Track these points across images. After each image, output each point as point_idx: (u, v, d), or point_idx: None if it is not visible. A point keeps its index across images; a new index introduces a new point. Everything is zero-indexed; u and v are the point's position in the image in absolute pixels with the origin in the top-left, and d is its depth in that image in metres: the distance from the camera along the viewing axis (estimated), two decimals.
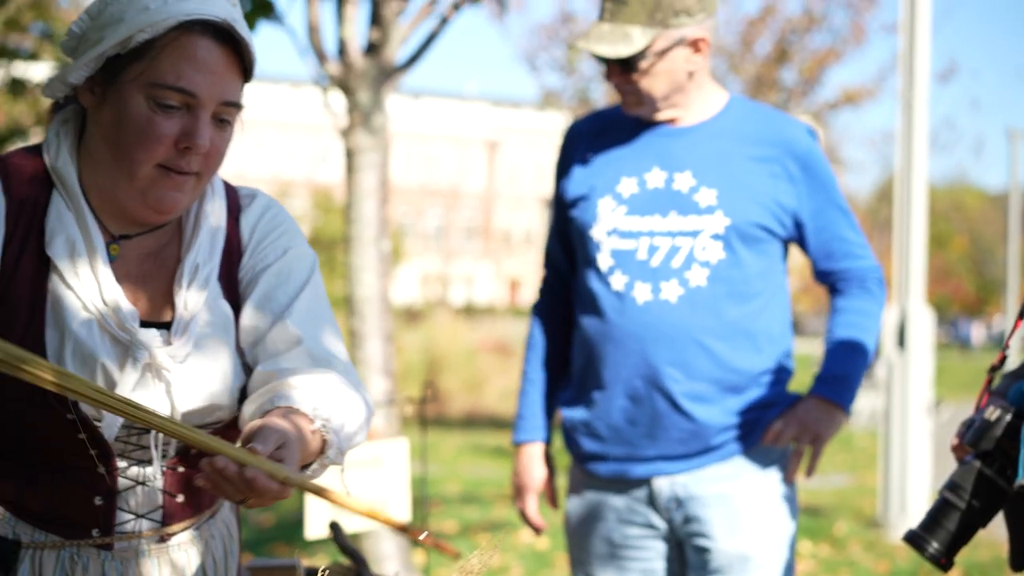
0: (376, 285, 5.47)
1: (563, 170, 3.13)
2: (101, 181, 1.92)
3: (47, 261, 1.89)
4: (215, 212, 2.02)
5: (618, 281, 2.95)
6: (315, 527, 3.59)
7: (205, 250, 1.99)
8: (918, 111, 8.75)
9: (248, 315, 2.01)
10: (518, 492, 3.20)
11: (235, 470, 1.64)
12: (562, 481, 3.22)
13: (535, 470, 3.17)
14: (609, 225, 2.98)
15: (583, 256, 3.03)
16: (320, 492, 1.66)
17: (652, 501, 2.99)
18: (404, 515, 3.87)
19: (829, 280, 3.12)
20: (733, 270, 2.94)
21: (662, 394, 2.93)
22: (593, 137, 3.09)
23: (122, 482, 1.92)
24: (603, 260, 2.97)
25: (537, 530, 3.22)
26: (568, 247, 3.13)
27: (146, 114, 1.85)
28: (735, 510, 2.96)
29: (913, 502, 8.62)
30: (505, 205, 65.28)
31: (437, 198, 61.22)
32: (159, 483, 1.95)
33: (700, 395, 2.93)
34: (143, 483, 1.94)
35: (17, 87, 16.40)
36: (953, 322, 55.10)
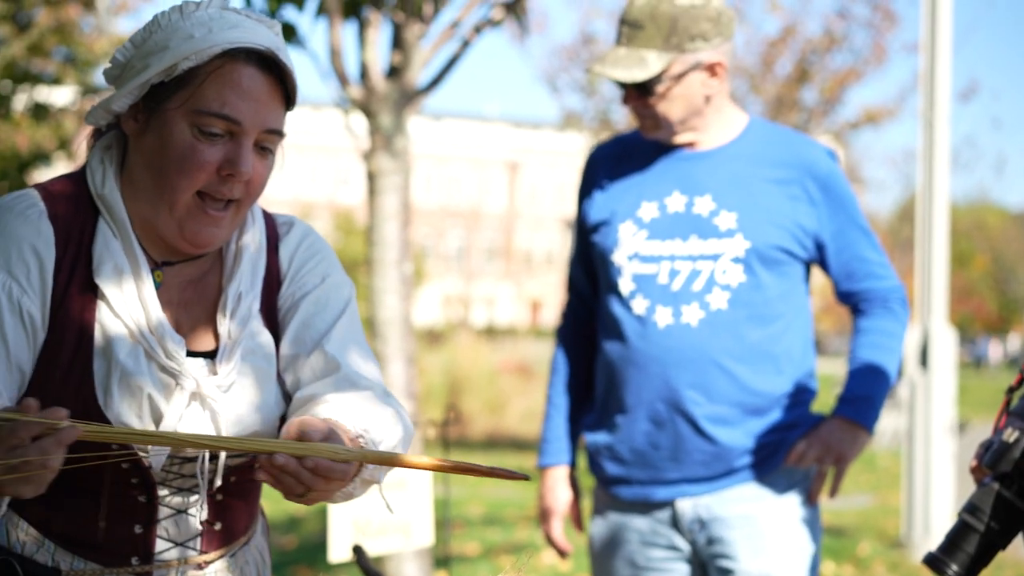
0: (399, 307, 5.48)
1: (585, 195, 3.15)
2: (143, 208, 1.92)
3: (94, 288, 1.90)
4: (255, 241, 2.04)
5: (639, 305, 2.96)
6: (338, 550, 3.60)
7: (247, 279, 2.01)
8: (939, 130, 8.73)
9: (287, 343, 2.03)
10: (544, 515, 3.20)
11: (295, 464, 1.68)
12: (587, 503, 3.22)
13: (560, 493, 3.18)
14: (630, 250, 2.99)
15: (605, 280, 3.05)
16: (390, 460, 1.73)
17: (675, 523, 3.00)
18: (427, 537, 3.87)
19: (851, 301, 3.12)
20: (754, 293, 2.94)
21: (684, 418, 2.93)
22: (614, 162, 3.11)
23: (162, 511, 1.93)
24: (624, 284, 2.99)
25: (563, 553, 3.23)
26: (591, 271, 3.15)
27: (189, 141, 1.86)
28: (758, 531, 2.96)
29: (937, 522, 8.57)
30: (526, 226, 65.33)
31: (458, 219, 61.32)
32: (204, 514, 1.96)
33: (722, 418, 2.93)
34: (184, 511, 1.94)
35: (40, 112, 16.54)
36: (973, 341, 54.85)
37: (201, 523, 1.96)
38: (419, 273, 33.65)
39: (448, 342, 23.63)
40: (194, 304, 1.99)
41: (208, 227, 1.91)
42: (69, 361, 1.87)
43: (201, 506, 1.94)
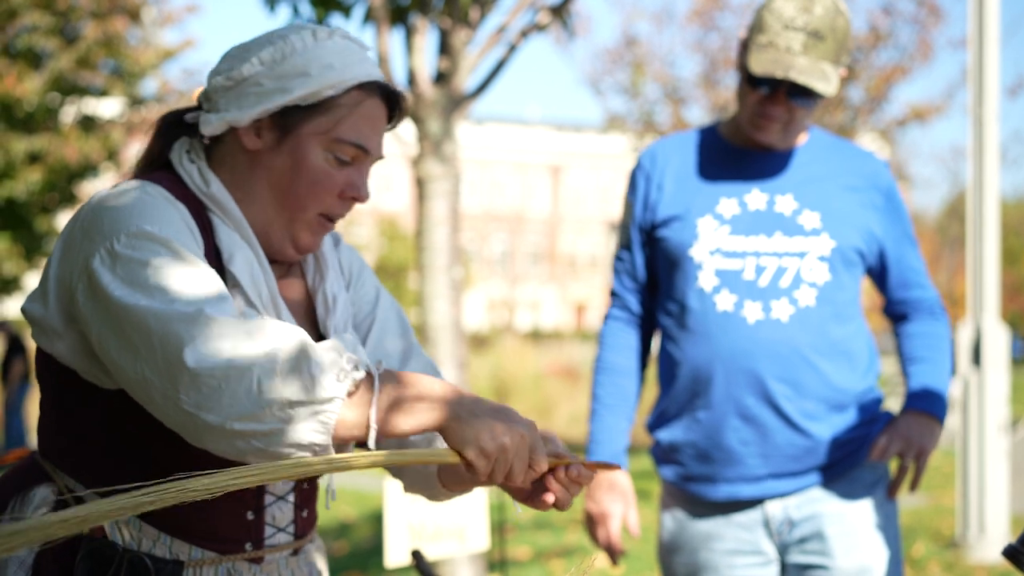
0: (449, 312, 5.50)
1: (646, 190, 3.12)
2: (253, 214, 1.98)
3: (225, 280, 1.92)
4: (327, 244, 2.15)
5: (725, 300, 2.96)
6: (395, 555, 3.61)
7: (335, 280, 2.10)
8: (988, 126, 8.66)
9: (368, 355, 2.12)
10: (597, 519, 3.14)
11: (589, 474, 1.83)
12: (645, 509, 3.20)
13: (616, 496, 3.13)
14: (712, 245, 2.99)
15: (679, 276, 3.03)
16: (606, 466, 1.86)
17: (765, 525, 3.00)
18: (483, 542, 3.88)
19: (901, 309, 3.20)
20: (837, 292, 2.98)
21: (776, 412, 2.94)
22: (679, 158, 3.11)
23: (267, 497, 1.99)
24: (706, 280, 2.98)
25: (616, 557, 3.18)
26: (651, 266, 3.14)
27: (323, 166, 1.95)
28: (851, 527, 2.97)
29: (992, 521, 8.49)
30: (570, 229, 65.30)
31: (502, 223, 61.38)
32: (292, 497, 2.03)
33: (811, 413, 2.95)
34: (283, 497, 2.01)
35: (88, 124, 16.71)
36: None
37: (295, 508, 2.03)
38: (464, 278, 33.75)
39: (494, 346, 23.67)
40: (287, 302, 2.05)
41: (317, 237, 2.01)
42: None
43: (330, 491, 1.97)
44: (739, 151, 3.07)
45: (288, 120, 1.94)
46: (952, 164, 28.26)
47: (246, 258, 1.94)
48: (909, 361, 3.15)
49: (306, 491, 2.05)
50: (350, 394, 1.65)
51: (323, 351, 1.64)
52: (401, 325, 2.19)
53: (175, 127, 2.03)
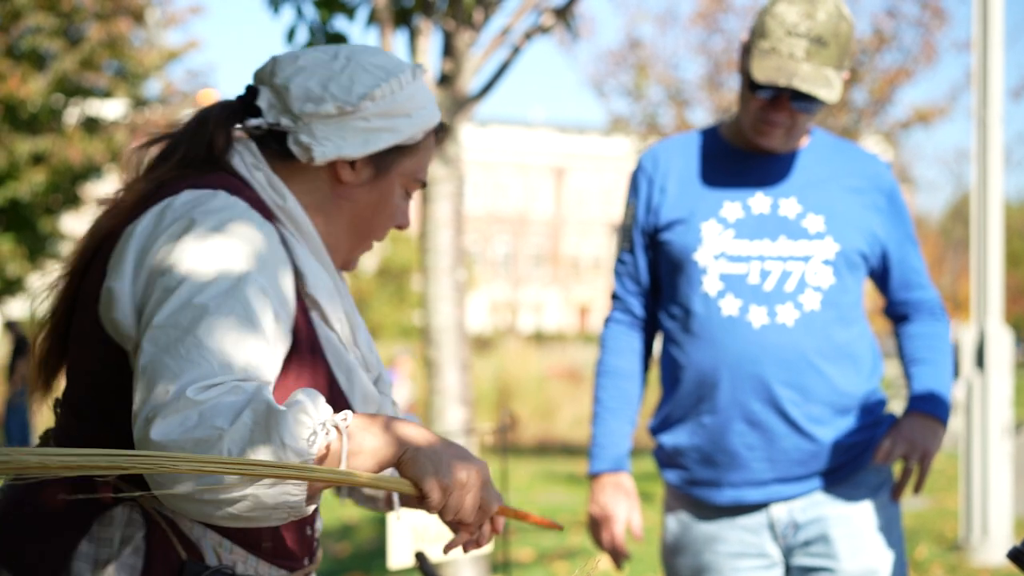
0: (452, 314, 5.50)
1: (648, 193, 3.11)
2: (324, 237, 2.02)
3: (304, 299, 1.93)
4: None
5: (730, 305, 2.95)
6: (398, 557, 3.61)
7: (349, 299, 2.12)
8: (992, 128, 8.65)
9: None
10: (602, 522, 3.12)
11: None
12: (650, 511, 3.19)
13: (620, 500, 3.12)
14: (716, 249, 2.98)
15: (683, 280, 3.02)
16: (551, 524, 1.92)
17: (771, 528, 2.99)
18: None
19: (902, 310, 3.19)
20: (842, 295, 2.98)
21: (782, 416, 2.93)
22: (681, 161, 3.10)
23: (316, 513, 2.05)
24: (711, 284, 2.97)
25: (621, 560, 3.17)
26: (653, 269, 3.13)
27: (397, 202, 2.07)
28: (856, 530, 2.97)
29: (995, 524, 8.49)
30: (573, 231, 65.32)
31: (505, 225, 61.38)
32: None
33: (817, 417, 2.95)
34: (318, 511, 2.06)
35: (92, 125, 16.71)
36: None
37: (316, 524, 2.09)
38: (468, 280, 33.77)
39: (497, 348, 23.68)
40: None
41: (361, 258, 2.14)
42: (311, 371, 1.90)
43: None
44: (741, 153, 3.06)
45: (385, 160, 2.00)
46: (956, 167, 28.30)
47: (323, 278, 1.96)
48: (911, 363, 3.14)
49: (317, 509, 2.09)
50: (324, 454, 1.63)
51: (293, 417, 1.59)
52: None
53: (230, 122, 2.00)
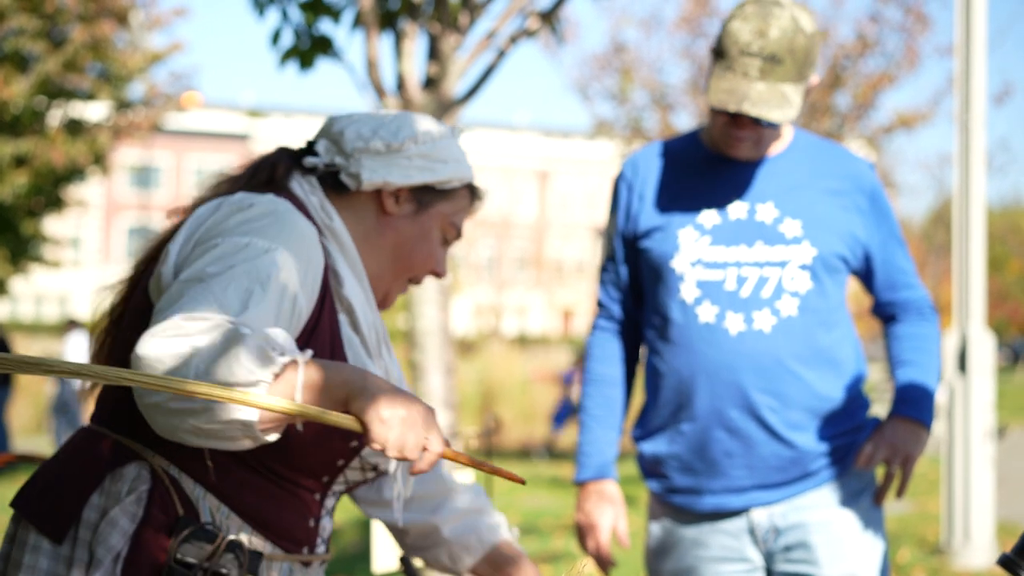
0: (437, 318, 5.49)
1: (628, 200, 3.11)
2: (367, 264, 2.28)
3: (334, 301, 2.17)
4: None
5: (707, 312, 2.94)
6: (383, 561, 3.61)
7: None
8: (975, 133, 8.68)
9: None
10: (587, 530, 3.12)
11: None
12: (633, 518, 3.17)
13: (607, 508, 3.11)
14: (693, 256, 2.97)
15: (661, 287, 3.01)
16: (510, 476, 1.93)
17: (751, 532, 2.98)
18: None
19: (889, 310, 3.16)
20: (819, 300, 2.95)
21: (760, 423, 2.92)
22: (660, 168, 3.09)
23: (323, 511, 2.24)
24: (688, 291, 2.96)
25: (607, 568, 3.17)
26: (634, 277, 3.12)
27: (436, 244, 2.35)
28: (837, 536, 2.95)
29: (977, 528, 8.52)
30: (557, 235, 65.31)
31: (489, 229, 61.30)
32: (331, 515, 2.28)
33: (796, 423, 2.93)
34: (329, 513, 2.26)
35: (75, 127, 16.66)
36: (1011, 345, 54.59)
37: (331, 525, 2.28)
38: (452, 283, 33.74)
39: (481, 352, 23.67)
40: None
41: (398, 296, 2.36)
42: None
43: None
44: (719, 159, 3.03)
45: (425, 197, 2.29)
46: (938, 171, 28.32)
47: (359, 294, 2.21)
48: (896, 364, 3.12)
49: (333, 510, 2.28)
50: (277, 378, 1.76)
51: (252, 340, 1.76)
52: None
53: (292, 161, 2.29)
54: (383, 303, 2.33)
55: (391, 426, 1.78)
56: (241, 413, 1.75)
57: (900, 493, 3.06)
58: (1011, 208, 51.84)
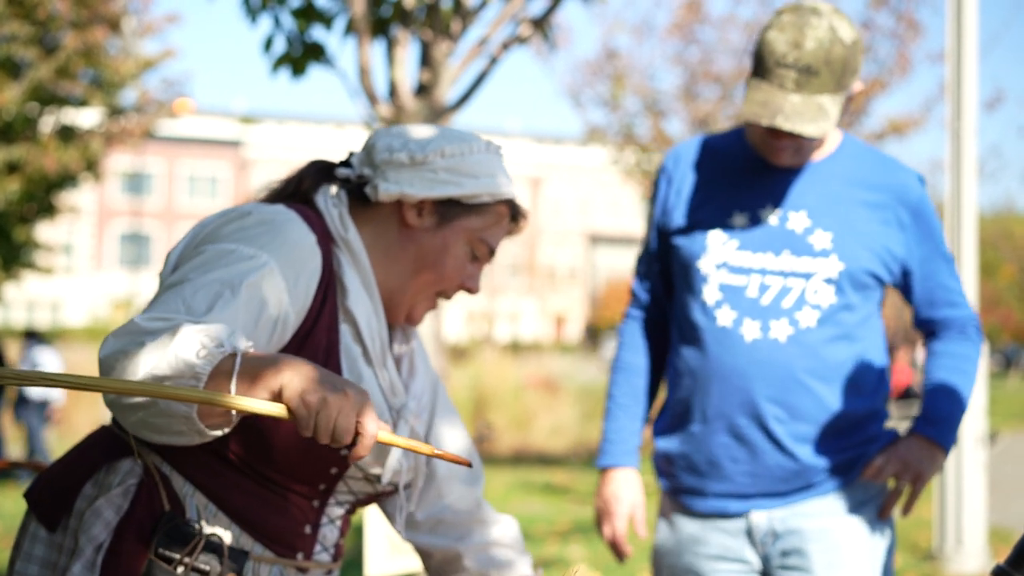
0: (430, 324, 5.49)
1: (666, 194, 3.08)
2: (387, 276, 2.27)
3: (338, 313, 2.18)
4: None
5: (725, 316, 2.91)
6: (374, 566, 3.61)
7: (420, 349, 2.39)
8: (966, 140, 8.69)
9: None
10: (604, 516, 3.12)
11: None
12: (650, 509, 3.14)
13: (625, 496, 3.10)
14: (719, 258, 2.93)
15: (687, 286, 2.99)
16: (456, 459, 1.88)
17: (749, 534, 2.96)
18: None
19: (930, 327, 3.08)
20: (842, 314, 2.89)
21: (766, 434, 2.89)
22: (700, 164, 3.05)
23: (323, 519, 2.23)
24: (710, 293, 2.93)
25: (622, 556, 3.15)
26: (665, 271, 3.10)
27: (463, 259, 2.29)
28: (835, 544, 2.92)
29: (969, 534, 8.52)
30: (549, 241, 65.32)
31: None
32: (339, 523, 2.28)
33: (803, 436, 2.89)
34: (334, 521, 2.26)
35: (67, 134, 16.64)
36: (1003, 351, 54.71)
37: (340, 535, 2.28)
38: None
39: (473, 358, 23.65)
40: None
41: (427, 311, 2.34)
42: None
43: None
44: (760, 162, 2.97)
45: (449, 211, 2.25)
46: (930, 178, 28.36)
47: (366, 305, 2.20)
48: (928, 382, 3.05)
49: (346, 521, 2.29)
50: (216, 371, 1.77)
51: (193, 336, 1.79)
52: (444, 400, 2.48)
53: (322, 174, 2.30)
54: (409, 318, 2.31)
55: (316, 411, 1.75)
56: (180, 407, 1.79)
57: (907, 511, 3.00)
58: (1003, 214, 51.91)
